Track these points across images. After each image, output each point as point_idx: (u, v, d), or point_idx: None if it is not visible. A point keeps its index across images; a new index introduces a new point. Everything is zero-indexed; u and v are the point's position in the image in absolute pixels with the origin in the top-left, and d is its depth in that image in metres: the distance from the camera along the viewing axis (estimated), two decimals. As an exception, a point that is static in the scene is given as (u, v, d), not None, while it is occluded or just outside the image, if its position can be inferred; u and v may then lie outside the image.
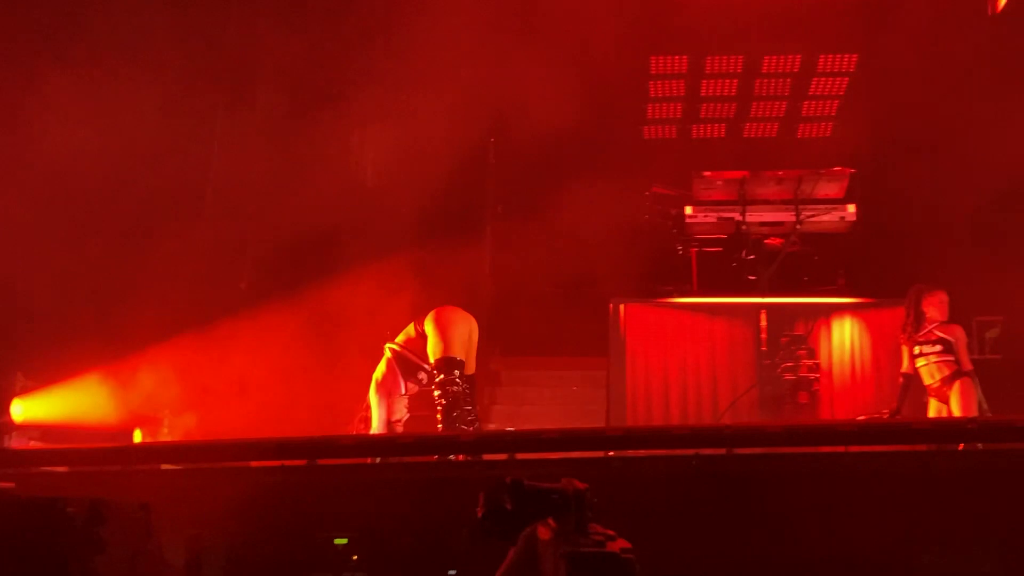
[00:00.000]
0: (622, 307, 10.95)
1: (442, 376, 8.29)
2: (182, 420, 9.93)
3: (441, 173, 11.02)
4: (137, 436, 9.83)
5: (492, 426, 10.81)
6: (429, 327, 8.45)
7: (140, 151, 10.43)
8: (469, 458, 7.34)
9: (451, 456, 7.37)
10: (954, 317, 9.34)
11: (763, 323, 10.72)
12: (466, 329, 8.55)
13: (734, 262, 11.24)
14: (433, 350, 8.40)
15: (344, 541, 6.36)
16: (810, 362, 10.49)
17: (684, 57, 12.54)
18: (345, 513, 6.48)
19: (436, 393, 8.33)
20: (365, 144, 10.49)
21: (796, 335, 10.67)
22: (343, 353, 10.03)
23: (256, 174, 10.94)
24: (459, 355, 8.36)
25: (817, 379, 10.48)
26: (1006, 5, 11.13)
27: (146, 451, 8.35)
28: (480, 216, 12.09)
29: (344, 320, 10.01)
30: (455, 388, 8.25)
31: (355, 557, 6.34)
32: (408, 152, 10.35)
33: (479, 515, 3.42)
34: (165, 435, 9.84)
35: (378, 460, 7.27)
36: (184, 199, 11.12)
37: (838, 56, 12.50)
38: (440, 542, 6.24)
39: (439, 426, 8.22)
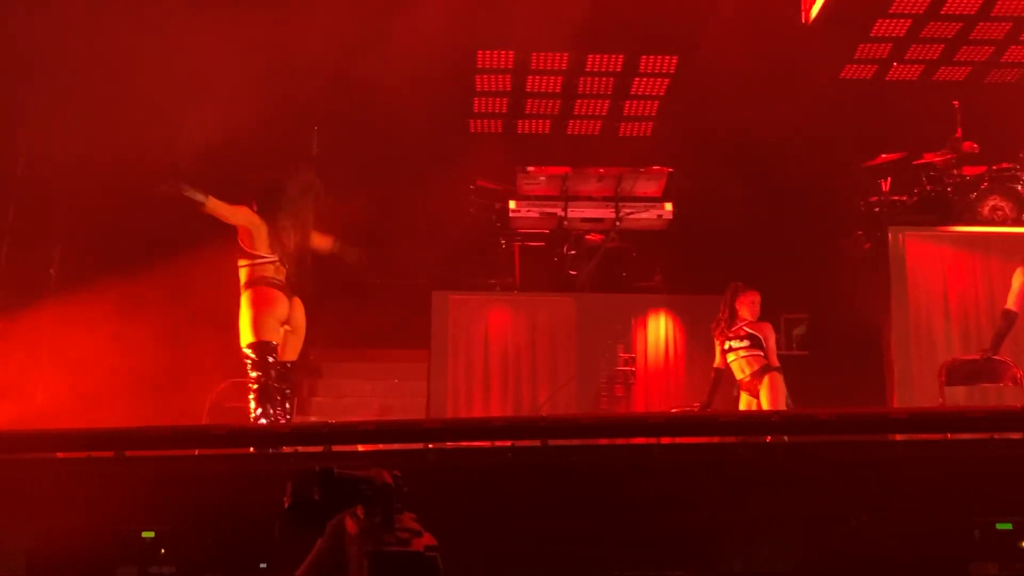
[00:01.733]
0: (444, 299, 10.97)
1: (254, 361, 7.93)
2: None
3: (263, 161, 10.82)
4: (-65, 426, 9.39)
5: (312, 418, 10.68)
6: (242, 308, 7.91)
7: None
8: (284, 450, 7.24)
9: (266, 448, 7.24)
10: (764, 314, 9.69)
11: (582, 318, 10.92)
12: (282, 312, 8.04)
13: (555, 257, 11.42)
14: (244, 333, 7.91)
15: (151, 534, 6.21)
16: (626, 356, 10.77)
17: (510, 52, 12.60)
18: (153, 506, 6.32)
19: (251, 382, 7.95)
20: (183, 128, 10.19)
21: (614, 329, 10.90)
22: (155, 342, 9.78)
23: (67, 156, 10.55)
24: (273, 339, 7.97)
25: (633, 372, 10.75)
26: (818, 15, 11.53)
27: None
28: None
29: (156, 308, 9.76)
30: (268, 377, 7.88)
31: (163, 551, 6.20)
32: (228, 138, 10.09)
33: (286, 505, 3.36)
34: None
35: None
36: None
37: (659, 57, 12.74)
38: (252, 535, 6.15)
39: (252, 416, 7.95)
